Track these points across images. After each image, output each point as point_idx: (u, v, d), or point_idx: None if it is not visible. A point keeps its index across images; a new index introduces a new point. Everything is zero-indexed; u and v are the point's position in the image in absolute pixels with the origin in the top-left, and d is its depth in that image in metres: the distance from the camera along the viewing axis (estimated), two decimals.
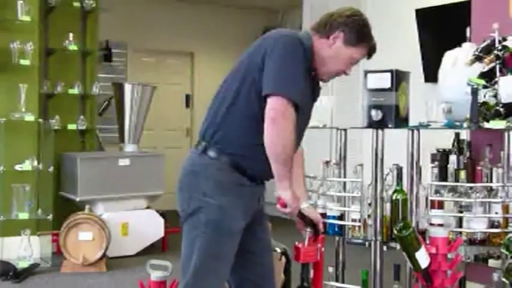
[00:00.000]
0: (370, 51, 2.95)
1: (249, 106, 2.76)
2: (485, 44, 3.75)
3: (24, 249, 5.77)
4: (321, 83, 2.98)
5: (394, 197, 3.43)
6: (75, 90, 6.98)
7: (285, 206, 2.82)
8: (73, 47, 6.91)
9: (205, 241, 2.76)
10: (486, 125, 3.37)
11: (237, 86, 2.79)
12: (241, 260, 2.93)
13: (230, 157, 2.78)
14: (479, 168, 3.62)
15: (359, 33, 2.90)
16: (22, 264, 5.69)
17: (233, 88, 2.80)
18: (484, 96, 3.56)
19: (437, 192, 3.45)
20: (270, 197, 2.91)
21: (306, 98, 2.82)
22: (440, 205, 3.45)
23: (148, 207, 6.78)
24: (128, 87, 7.24)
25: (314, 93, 2.95)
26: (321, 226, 3.10)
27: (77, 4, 7.06)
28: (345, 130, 3.82)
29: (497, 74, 3.67)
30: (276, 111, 2.66)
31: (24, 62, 6.06)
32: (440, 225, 3.03)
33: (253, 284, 3.02)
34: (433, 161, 3.87)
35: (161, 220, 6.64)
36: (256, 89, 2.73)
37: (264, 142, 2.69)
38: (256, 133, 2.71)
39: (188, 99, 9.98)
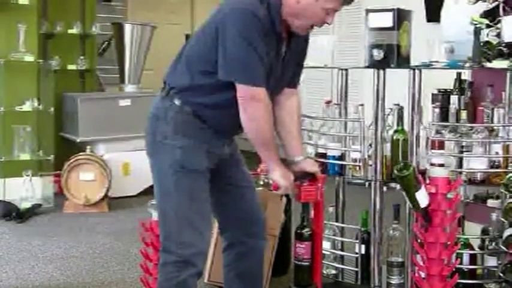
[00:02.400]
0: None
1: (209, 68, 2.68)
2: None
3: (26, 190, 5.82)
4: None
5: (394, 137, 3.42)
6: (74, 30, 6.93)
7: (278, 187, 2.82)
8: None
9: (175, 183, 2.73)
10: (488, 64, 3.33)
11: (200, 47, 2.75)
12: (222, 199, 2.94)
13: (191, 108, 2.73)
14: (480, 108, 3.61)
15: None
16: (24, 205, 5.73)
17: (197, 50, 2.78)
18: (487, 35, 3.52)
19: (438, 132, 3.44)
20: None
21: (272, 64, 2.68)
22: (441, 145, 3.45)
23: None
24: (127, 27, 7.19)
25: (289, 50, 2.76)
26: (319, 174, 3.06)
27: None
28: (346, 70, 3.79)
29: (501, 12, 3.62)
30: (245, 99, 2.61)
31: (23, 1, 5.99)
32: (441, 165, 3.03)
33: (240, 221, 2.99)
34: (434, 101, 3.86)
35: None
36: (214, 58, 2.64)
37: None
38: (216, 92, 2.69)
39: (188, 39, 9.89)
